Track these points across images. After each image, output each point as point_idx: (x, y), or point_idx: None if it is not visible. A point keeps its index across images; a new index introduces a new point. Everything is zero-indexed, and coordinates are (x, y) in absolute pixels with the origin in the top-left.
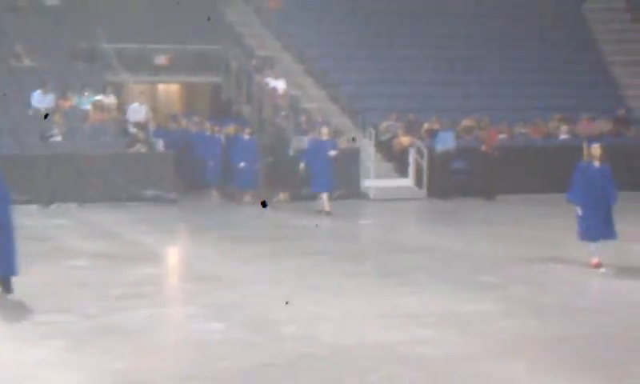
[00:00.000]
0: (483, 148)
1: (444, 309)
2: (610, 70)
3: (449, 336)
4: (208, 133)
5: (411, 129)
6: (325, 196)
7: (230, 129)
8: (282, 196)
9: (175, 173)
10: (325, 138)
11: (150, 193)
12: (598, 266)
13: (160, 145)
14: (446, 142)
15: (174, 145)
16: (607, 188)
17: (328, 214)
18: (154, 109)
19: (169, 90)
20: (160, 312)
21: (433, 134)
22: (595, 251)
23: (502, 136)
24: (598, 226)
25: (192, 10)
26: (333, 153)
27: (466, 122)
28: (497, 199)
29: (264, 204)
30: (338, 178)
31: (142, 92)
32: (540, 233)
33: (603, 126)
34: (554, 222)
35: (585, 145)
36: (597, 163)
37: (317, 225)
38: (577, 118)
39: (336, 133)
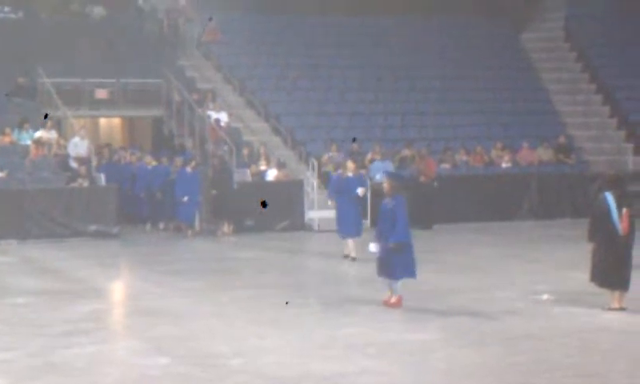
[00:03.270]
0: (422, 178)
1: (387, 339)
2: (551, 99)
3: (392, 366)
4: (150, 167)
5: (354, 159)
6: (351, 241)
7: (178, 162)
8: (225, 228)
9: (118, 207)
10: (350, 173)
11: (92, 228)
12: (391, 303)
13: (102, 179)
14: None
15: (117, 179)
16: (394, 226)
17: (354, 260)
18: (99, 144)
19: (110, 124)
20: (103, 348)
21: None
22: (395, 288)
23: (443, 165)
24: (395, 264)
25: (132, 43)
26: (361, 191)
27: (404, 152)
28: (434, 229)
29: (264, 204)
30: (282, 211)
31: (82, 126)
32: (480, 261)
33: (544, 153)
34: (495, 250)
35: None
36: (387, 198)
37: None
38: (518, 146)
39: (279, 165)
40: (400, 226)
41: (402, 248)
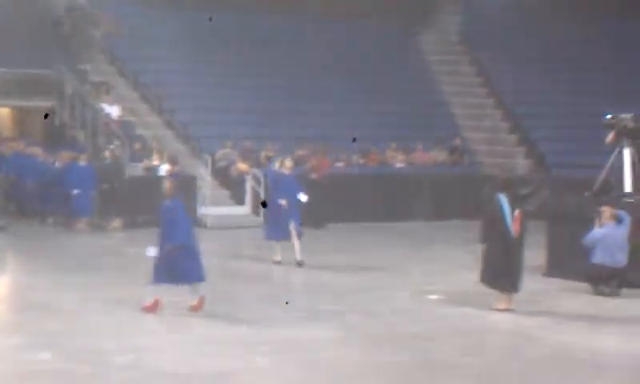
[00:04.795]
0: (314, 176)
1: (280, 337)
2: (445, 101)
3: (284, 364)
4: (40, 159)
5: (247, 156)
6: (297, 244)
7: (65, 155)
8: (116, 222)
9: (6, 199)
10: (287, 171)
11: None
12: (150, 309)
13: None
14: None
15: (4, 170)
16: (176, 229)
17: (278, 263)
18: None
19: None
20: None
21: (269, 161)
22: (152, 292)
23: (338, 164)
24: (163, 269)
25: (24, 31)
26: (304, 198)
27: (299, 152)
28: (327, 227)
29: (264, 204)
30: None
31: None
32: (374, 261)
33: (439, 155)
34: (388, 250)
35: None
36: (166, 200)
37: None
38: (413, 147)
39: (172, 160)
40: (181, 228)
41: (186, 251)
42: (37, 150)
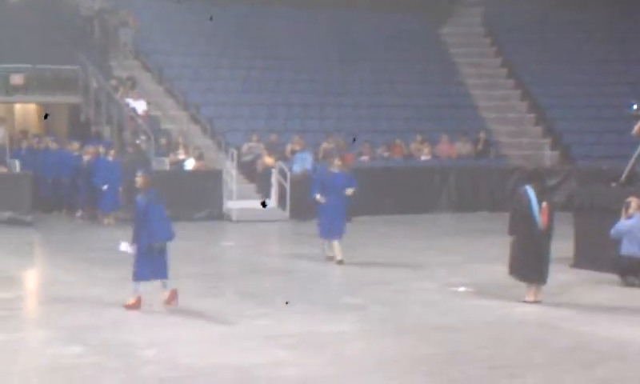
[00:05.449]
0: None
1: (302, 330)
2: (469, 93)
3: (306, 357)
4: (76, 153)
5: (273, 150)
6: (336, 242)
7: (90, 150)
8: None
9: (33, 194)
10: (336, 170)
11: (5, 215)
12: (133, 306)
13: (17, 166)
14: (304, 162)
15: (32, 165)
16: (151, 224)
17: (340, 262)
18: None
19: (25, 110)
20: (15, 336)
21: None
22: (136, 290)
23: (363, 158)
24: (143, 265)
25: (49, 28)
26: (350, 191)
27: (324, 145)
28: (353, 220)
29: (264, 204)
30: (200, 200)
31: (1, 118)
32: (399, 253)
33: (462, 147)
34: (413, 242)
35: None
36: (140, 194)
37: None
38: (438, 140)
39: (198, 154)
40: (160, 223)
41: (157, 247)
42: (74, 146)
